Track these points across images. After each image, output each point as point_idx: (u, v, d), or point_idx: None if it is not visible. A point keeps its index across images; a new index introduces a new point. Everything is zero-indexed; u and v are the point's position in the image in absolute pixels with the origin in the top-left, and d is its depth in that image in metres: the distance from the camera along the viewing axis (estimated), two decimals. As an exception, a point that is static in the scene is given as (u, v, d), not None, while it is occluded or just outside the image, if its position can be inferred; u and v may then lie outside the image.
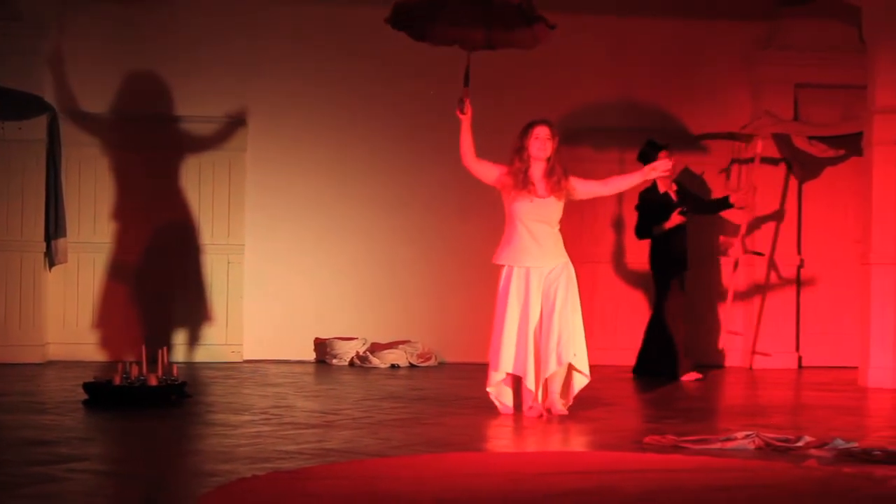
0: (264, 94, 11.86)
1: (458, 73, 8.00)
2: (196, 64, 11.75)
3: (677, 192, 10.82)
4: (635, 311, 12.05)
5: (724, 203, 11.11)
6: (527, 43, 8.27)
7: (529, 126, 7.89)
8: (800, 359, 12.08)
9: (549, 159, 7.84)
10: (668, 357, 10.57)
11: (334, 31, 11.89)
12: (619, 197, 11.72)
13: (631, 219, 11.65)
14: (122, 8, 11.65)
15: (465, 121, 7.88)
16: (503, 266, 7.84)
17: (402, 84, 11.90)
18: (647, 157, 10.45)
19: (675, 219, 10.63)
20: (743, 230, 11.78)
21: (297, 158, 11.94)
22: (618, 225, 12.15)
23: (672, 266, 10.69)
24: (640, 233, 10.87)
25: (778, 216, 12.14)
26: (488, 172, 7.94)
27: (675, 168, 10.61)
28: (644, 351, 10.92)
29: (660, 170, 7.97)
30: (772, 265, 12.09)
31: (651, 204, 10.76)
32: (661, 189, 10.77)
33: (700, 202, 11.14)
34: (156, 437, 6.73)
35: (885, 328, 10.13)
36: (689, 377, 10.45)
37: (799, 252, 12.16)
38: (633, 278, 12.14)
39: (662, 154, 10.45)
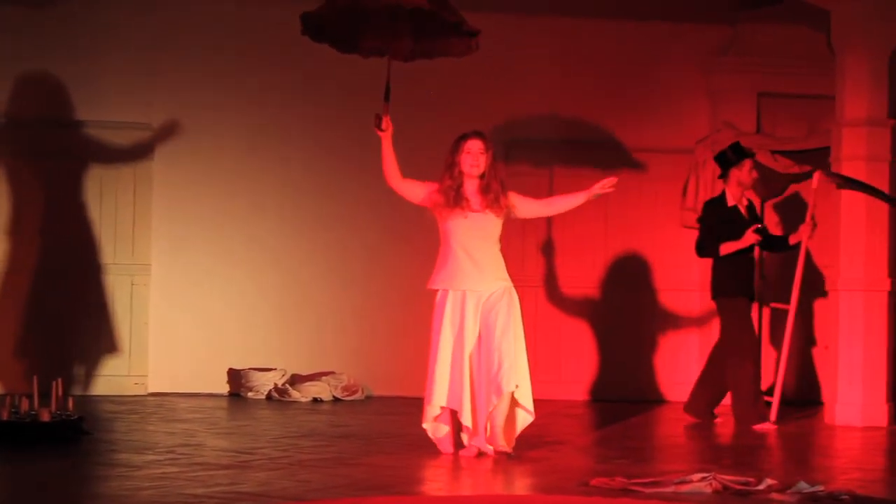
0: (173, 99, 11.78)
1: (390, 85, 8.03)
2: (98, 66, 11.65)
3: (748, 209, 10.37)
4: (583, 340, 12.09)
5: (785, 244, 10.55)
6: (460, 51, 8.34)
7: (460, 139, 7.92)
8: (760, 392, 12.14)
9: (482, 175, 7.85)
10: (737, 400, 10.05)
11: (250, 35, 11.83)
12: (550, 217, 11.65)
13: (565, 239, 11.70)
14: (16, 7, 11.53)
15: (386, 138, 7.90)
16: (437, 291, 7.84)
17: (324, 94, 11.88)
18: (727, 163, 10.27)
19: (750, 237, 10.12)
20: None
21: (209, 171, 11.86)
22: (549, 245, 12.15)
23: (739, 293, 10.16)
24: (703, 250, 10.32)
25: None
26: (416, 192, 7.96)
27: (745, 178, 10.28)
28: (697, 388, 10.46)
29: (604, 189, 7.96)
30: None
31: (717, 218, 10.27)
32: (730, 202, 10.32)
33: (767, 232, 10.58)
34: (48, 480, 6.65)
35: (852, 361, 10.23)
36: (763, 427, 9.88)
37: (762, 276, 12.26)
38: (579, 303, 12.18)
39: (747, 164, 10.25)
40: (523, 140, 12.02)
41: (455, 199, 7.80)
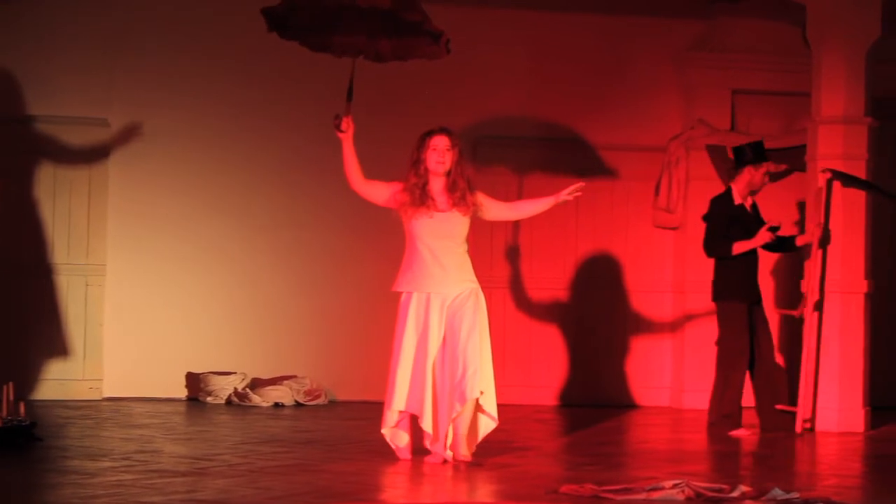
0: (132, 94, 11.73)
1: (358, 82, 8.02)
2: (55, 60, 11.59)
3: (753, 208, 10.29)
4: (553, 343, 12.10)
5: (792, 245, 10.47)
6: (432, 53, 8.35)
7: (426, 136, 7.91)
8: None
9: (449, 173, 7.85)
10: (716, 404, 10.03)
11: (212, 34, 11.79)
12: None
13: (535, 239, 11.71)
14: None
15: (346, 139, 7.88)
16: (402, 293, 7.83)
17: (285, 93, 11.85)
18: (744, 159, 10.18)
19: (764, 236, 10.06)
20: None
21: (167, 168, 11.81)
22: (518, 246, 12.15)
23: (738, 296, 10.11)
24: (711, 249, 10.22)
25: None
26: (380, 193, 7.95)
27: (757, 181, 10.21)
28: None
29: (572, 196, 7.95)
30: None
31: (723, 216, 10.20)
32: (737, 200, 10.25)
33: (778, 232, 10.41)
34: (-2, 487, 6.62)
35: (830, 365, 10.26)
36: (738, 433, 9.90)
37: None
38: (549, 305, 12.19)
39: (765, 167, 10.18)
40: (492, 138, 12.02)
41: (420, 197, 7.79)
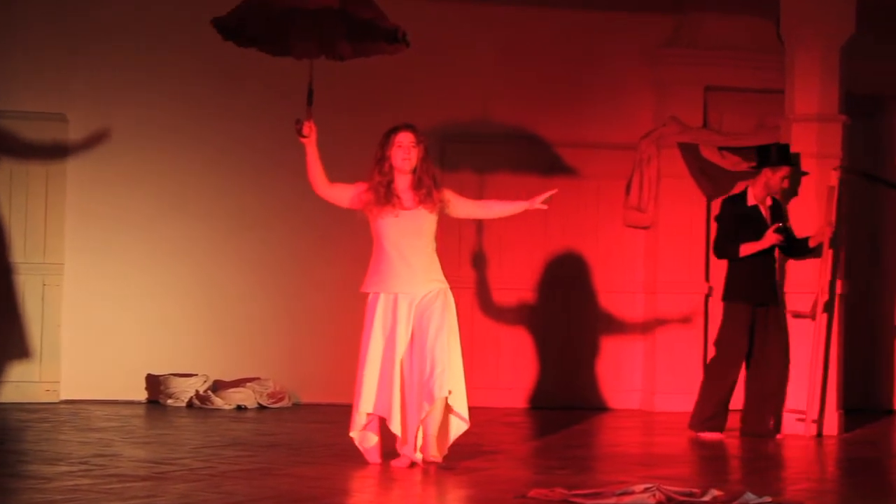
0: (91, 90, 11.71)
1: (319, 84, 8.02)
2: (11, 55, 11.56)
3: (771, 209, 10.19)
4: (522, 345, 12.12)
5: (806, 248, 10.30)
6: (394, 49, 8.38)
7: (390, 132, 7.90)
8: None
9: (414, 170, 7.85)
10: (700, 404, 10.07)
11: (172, 31, 11.76)
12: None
13: (503, 239, 11.74)
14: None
15: (309, 144, 7.86)
16: (369, 294, 7.83)
17: (250, 92, 11.83)
18: (766, 159, 10.09)
19: (770, 237, 9.97)
20: None
21: (128, 166, 11.78)
22: (487, 245, 12.16)
23: (741, 296, 10.06)
24: (722, 251, 10.18)
25: (686, 238, 12.29)
26: (344, 195, 7.93)
27: (773, 183, 10.11)
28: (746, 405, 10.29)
29: (544, 203, 7.93)
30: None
31: (735, 217, 10.15)
32: (751, 201, 10.17)
33: (791, 234, 10.28)
34: (-48, 492, 6.58)
35: (799, 366, 10.29)
36: (710, 436, 9.93)
37: (707, 279, 12.34)
38: (518, 306, 12.21)
39: (784, 170, 10.05)
40: (459, 136, 12.03)
41: (386, 195, 7.78)
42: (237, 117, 11.88)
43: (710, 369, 10.24)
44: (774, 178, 10.15)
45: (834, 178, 10.28)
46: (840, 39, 10.48)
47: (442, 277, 7.84)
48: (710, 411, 10.02)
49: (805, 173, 10.27)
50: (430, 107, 11.79)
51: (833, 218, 10.22)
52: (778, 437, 10.03)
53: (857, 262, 11.66)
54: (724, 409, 10.06)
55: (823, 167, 10.37)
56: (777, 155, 10.15)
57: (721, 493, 6.55)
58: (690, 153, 12.18)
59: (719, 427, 9.99)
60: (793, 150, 10.33)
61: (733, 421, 10.09)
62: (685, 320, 12.15)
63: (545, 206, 7.95)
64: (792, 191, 10.35)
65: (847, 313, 10.61)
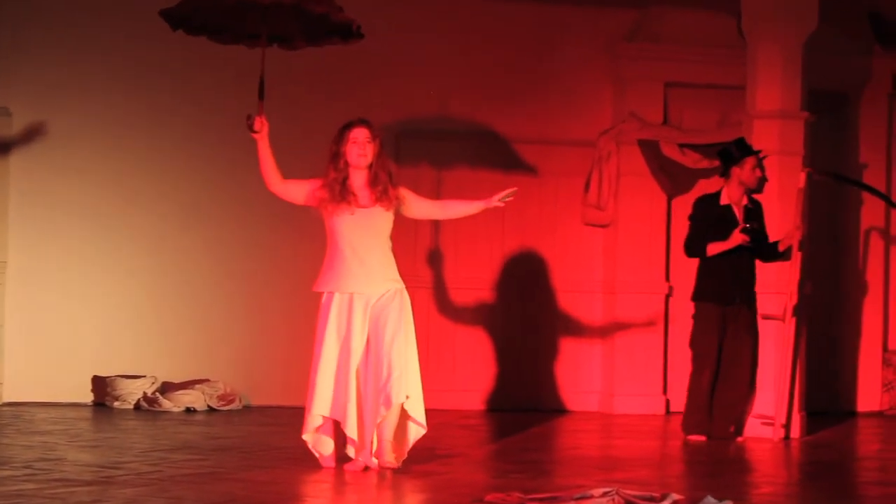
0: (35, 80, 11.66)
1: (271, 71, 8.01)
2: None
3: (746, 209, 10.20)
4: (479, 345, 12.14)
5: (775, 250, 10.28)
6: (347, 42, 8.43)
7: (345, 128, 7.89)
8: (668, 402, 12.28)
9: (370, 166, 7.84)
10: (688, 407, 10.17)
11: (122, 16, 11.71)
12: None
13: (459, 237, 11.75)
14: None
15: (261, 139, 7.84)
16: (323, 293, 7.82)
17: (205, 79, 11.80)
18: (730, 160, 10.14)
19: (736, 237, 10.03)
20: None
21: (73, 161, 11.74)
22: (443, 244, 12.17)
23: (708, 297, 10.12)
24: (691, 249, 10.27)
25: (645, 238, 12.33)
26: (298, 192, 7.92)
27: (747, 178, 10.12)
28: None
29: (502, 201, 7.94)
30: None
31: (706, 217, 10.21)
32: (724, 200, 10.21)
33: (763, 236, 10.25)
34: None
35: (764, 370, 10.35)
36: (696, 438, 10.00)
37: (667, 279, 12.39)
38: (474, 306, 12.23)
39: (749, 161, 10.11)
40: (413, 131, 12.03)
41: (341, 192, 7.77)
42: (187, 111, 11.84)
43: (692, 371, 10.29)
44: (745, 172, 10.17)
45: (802, 180, 10.31)
46: (802, 35, 10.53)
47: (398, 277, 7.84)
48: (692, 413, 10.12)
49: (766, 156, 10.30)
50: (384, 101, 11.78)
51: (800, 221, 10.22)
52: (738, 439, 10.10)
53: (819, 263, 11.72)
54: (704, 410, 10.13)
55: (786, 164, 10.42)
56: (738, 150, 10.20)
57: (681, 498, 6.58)
58: (650, 150, 12.22)
59: (702, 428, 10.07)
60: (755, 146, 10.34)
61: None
62: (645, 321, 12.20)
63: (503, 204, 7.97)
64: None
65: (809, 314, 10.67)
